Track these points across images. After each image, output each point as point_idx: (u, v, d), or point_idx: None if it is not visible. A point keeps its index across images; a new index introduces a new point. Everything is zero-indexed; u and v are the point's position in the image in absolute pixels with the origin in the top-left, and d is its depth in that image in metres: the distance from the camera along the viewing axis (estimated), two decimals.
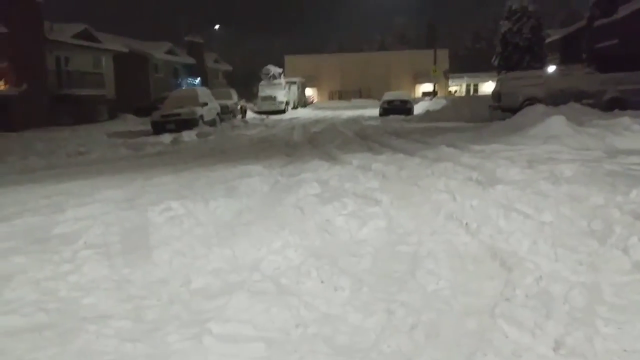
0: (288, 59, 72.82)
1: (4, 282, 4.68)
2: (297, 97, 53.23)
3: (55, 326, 3.81)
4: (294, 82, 53.36)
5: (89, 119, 32.88)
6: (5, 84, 27.23)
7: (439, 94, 54.75)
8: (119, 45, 39.31)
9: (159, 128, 24.27)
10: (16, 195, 9.40)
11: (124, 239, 5.95)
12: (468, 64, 76.10)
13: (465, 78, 70.86)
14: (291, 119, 37.43)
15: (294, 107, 50.57)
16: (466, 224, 5.71)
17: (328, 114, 42.38)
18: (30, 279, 4.76)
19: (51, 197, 8.86)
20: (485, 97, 33.93)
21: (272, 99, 45.50)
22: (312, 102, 62.95)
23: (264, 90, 46.62)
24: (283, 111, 44.75)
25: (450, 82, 68.53)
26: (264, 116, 39.39)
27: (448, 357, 3.22)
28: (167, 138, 20.72)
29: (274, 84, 47.37)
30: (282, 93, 46.71)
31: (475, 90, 69.09)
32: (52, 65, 32.12)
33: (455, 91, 69.02)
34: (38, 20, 30.47)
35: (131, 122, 32.37)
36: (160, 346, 3.45)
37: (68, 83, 32.71)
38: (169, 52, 48.28)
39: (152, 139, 21.34)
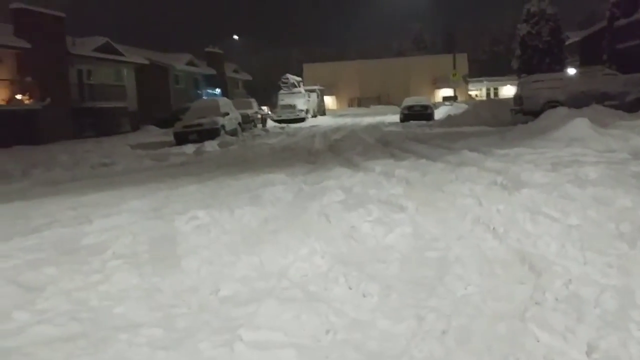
0: (307, 67, 73.12)
1: (36, 293, 4.76)
2: (316, 105, 53.34)
3: (88, 335, 3.86)
4: (313, 90, 53.51)
5: (111, 131, 33.26)
6: (29, 98, 27.63)
7: (459, 99, 54.56)
8: (140, 57, 39.73)
9: (181, 139, 24.50)
10: (43, 207, 9.53)
11: (151, 248, 6.01)
12: (487, 67, 75.86)
13: (484, 82, 70.64)
14: (311, 126, 37.49)
15: (314, 115, 50.69)
16: (493, 228, 5.68)
17: (348, 121, 42.37)
18: (62, 289, 4.83)
19: (78, 208, 8.97)
20: (505, 100, 33.74)
21: (292, 107, 45.66)
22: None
23: (284, 99, 46.83)
24: (303, 119, 44.85)
25: (470, 87, 68.25)
26: (284, 125, 39.51)
27: None
28: (189, 148, 20.89)
29: (294, 93, 47.57)
30: (302, 101, 46.87)
31: (495, 94, 68.81)
32: (74, 79, 32.54)
33: (476, 95, 68.73)
34: (60, 34, 30.91)
35: (153, 134, 32.66)
36: (192, 354, 3.48)
37: (90, 96, 33.15)
38: (190, 63, 48.70)
39: (175, 149, 21.52)
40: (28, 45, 27.69)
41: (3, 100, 26.68)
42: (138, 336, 3.78)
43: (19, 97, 27.34)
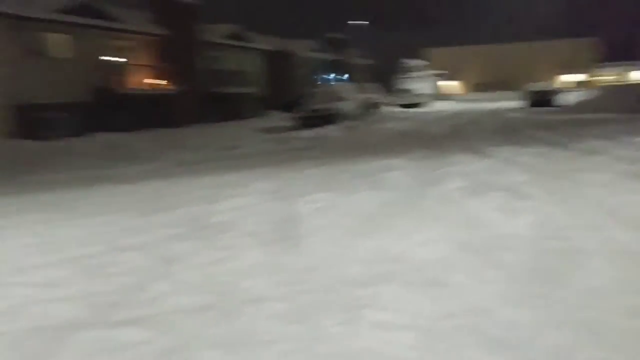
0: (430, 52, 71.95)
1: (171, 265, 5.09)
2: (436, 89, 52.58)
3: (218, 307, 4.08)
4: (435, 75, 52.76)
5: (238, 115, 34.26)
6: (166, 83, 29.03)
7: (587, 84, 51.93)
8: (266, 44, 40.67)
9: (304, 123, 24.96)
10: (176, 187, 10.11)
11: (275, 228, 6.24)
12: (618, 52, 71.37)
13: (615, 67, 66.55)
14: (431, 112, 37.04)
15: (434, 100, 49.98)
16: (624, 219, 5.42)
17: (469, 106, 41.51)
18: (194, 263, 5.16)
19: (207, 188, 9.44)
20: (638, 86, 31.71)
21: (412, 92, 45.30)
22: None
23: (404, 84, 46.54)
24: (422, 104, 44.38)
25: (599, 72, 64.61)
26: (404, 109, 39.27)
27: (609, 358, 3.06)
28: (311, 133, 21.28)
29: (415, 77, 47.18)
30: (422, 86, 46.37)
31: (627, 79, 64.67)
32: (205, 65, 33.76)
33: (606, 81, 64.99)
34: (195, 22, 32.20)
35: (278, 118, 33.39)
36: (315, 329, 3.58)
37: (219, 81, 34.23)
38: (313, 49, 49.21)
39: (297, 133, 21.98)
40: (167, 32, 29.07)
41: (146, 85, 28.16)
42: (264, 310, 3.95)
43: (156, 81, 28.75)
